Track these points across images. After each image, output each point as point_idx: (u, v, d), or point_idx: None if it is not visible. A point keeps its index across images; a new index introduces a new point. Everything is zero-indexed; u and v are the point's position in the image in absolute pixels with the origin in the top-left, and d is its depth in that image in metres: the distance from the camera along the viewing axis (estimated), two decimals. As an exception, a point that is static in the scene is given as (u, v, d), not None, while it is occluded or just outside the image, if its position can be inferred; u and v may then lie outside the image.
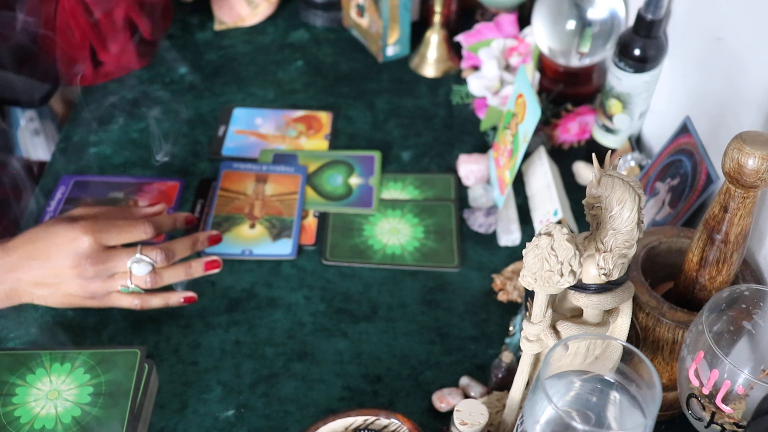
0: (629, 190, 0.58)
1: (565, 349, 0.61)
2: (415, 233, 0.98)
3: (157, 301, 0.84)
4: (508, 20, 1.17)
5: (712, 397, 0.63)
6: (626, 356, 0.60)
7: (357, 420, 0.76)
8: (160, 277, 0.83)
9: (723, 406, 0.63)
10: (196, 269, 0.85)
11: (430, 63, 1.22)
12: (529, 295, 0.64)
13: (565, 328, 0.64)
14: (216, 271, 0.86)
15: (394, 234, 0.98)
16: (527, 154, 1.06)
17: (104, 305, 0.83)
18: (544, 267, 0.58)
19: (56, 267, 0.79)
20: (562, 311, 0.66)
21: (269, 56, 1.24)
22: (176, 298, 0.85)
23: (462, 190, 1.04)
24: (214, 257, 0.86)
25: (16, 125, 1.58)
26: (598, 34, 1.06)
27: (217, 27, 1.28)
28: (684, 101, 0.96)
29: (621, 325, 0.66)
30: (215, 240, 0.88)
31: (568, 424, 0.55)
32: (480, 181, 1.04)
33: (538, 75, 1.12)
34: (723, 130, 0.87)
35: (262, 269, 0.94)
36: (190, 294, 0.85)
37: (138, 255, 0.81)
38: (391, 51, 1.23)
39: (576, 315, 0.66)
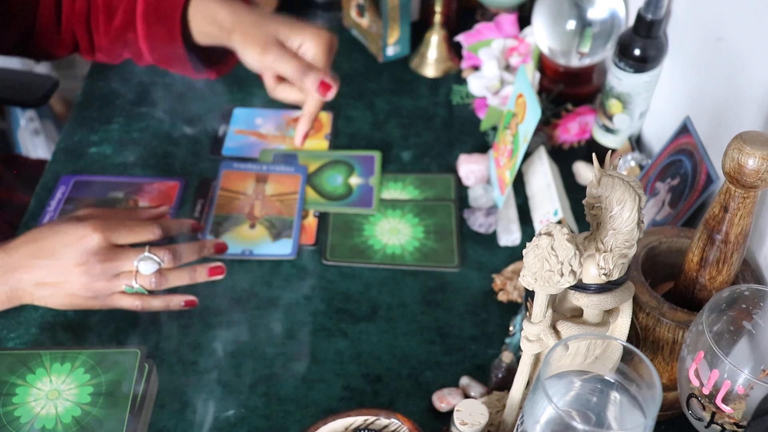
0: (629, 190, 0.58)
1: (565, 349, 0.61)
2: (415, 233, 0.98)
3: (158, 303, 0.84)
4: (508, 20, 1.18)
5: (712, 397, 0.63)
6: (626, 356, 0.60)
7: (357, 420, 0.76)
8: (165, 278, 0.83)
9: (723, 406, 0.63)
10: (201, 274, 0.85)
11: (430, 63, 1.22)
12: (529, 295, 0.64)
13: (565, 328, 0.64)
14: (220, 277, 0.86)
15: (394, 234, 0.98)
16: (527, 154, 1.06)
17: (106, 306, 0.83)
18: (545, 267, 0.58)
19: (62, 265, 0.79)
20: (562, 311, 0.66)
21: (269, 56, 1.24)
22: (177, 301, 0.85)
23: (462, 190, 1.04)
24: (219, 264, 0.86)
25: (16, 125, 1.58)
26: (598, 34, 1.06)
27: (217, 27, 1.28)
28: (684, 101, 0.96)
29: (621, 325, 0.66)
30: (221, 248, 0.89)
31: (568, 424, 0.55)
32: (480, 181, 1.04)
33: (538, 75, 1.12)
34: (723, 130, 0.87)
35: (262, 269, 0.94)
36: (191, 297, 0.85)
37: (146, 253, 0.81)
38: (391, 51, 1.23)
39: (576, 315, 0.66)
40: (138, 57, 0.99)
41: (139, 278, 0.81)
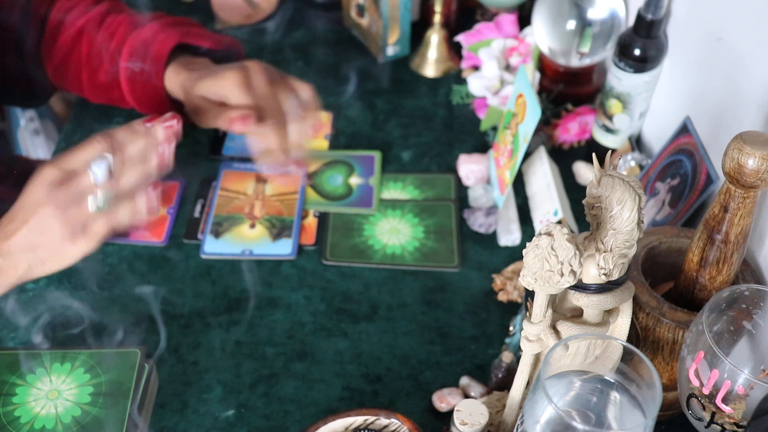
0: (629, 190, 0.58)
1: (565, 349, 0.61)
2: (415, 233, 0.98)
3: (124, 214, 0.78)
4: (508, 20, 1.18)
5: (712, 397, 0.63)
6: (626, 356, 0.60)
7: (357, 420, 0.76)
8: (120, 174, 0.77)
9: (723, 406, 0.63)
10: (156, 132, 0.79)
11: (430, 63, 1.22)
12: (529, 295, 0.64)
13: (565, 328, 0.64)
14: (174, 126, 0.80)
15: (394, 234, 0.98)
16: (527, 154, 1.06)
17: (92, 241, 0.78)
18: (545, 267, 0.58)
19: (32, 214, 0.77)
20: (562, 311, 0.66)
21: (269, 56, 1.24)
22: (140, 203, 0.79)
23: (462, 190, 1.04)
24: (171, 119, 0.80)
25: (16, 125, 1.58)
26: (598, 34, 1.06)
27: (218, 27, 1.28)
28: (684, 101, 0.96)
29: (621, 325, 0.66)
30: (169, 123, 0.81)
31: (568, 424, 0.55)
32: (480, 181, 1.04)
33: (538, 75, 1.12)
34: (723, 130, 0.87)
35: (262, 269, 0.94)
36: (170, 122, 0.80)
37: (96, 159, 0.76)
38: (391, 51, 1.23)
39: (576, 315, 0.66)
40: (124, 105, 1.01)
41: (99, 189, 0.76)
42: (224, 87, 0.90)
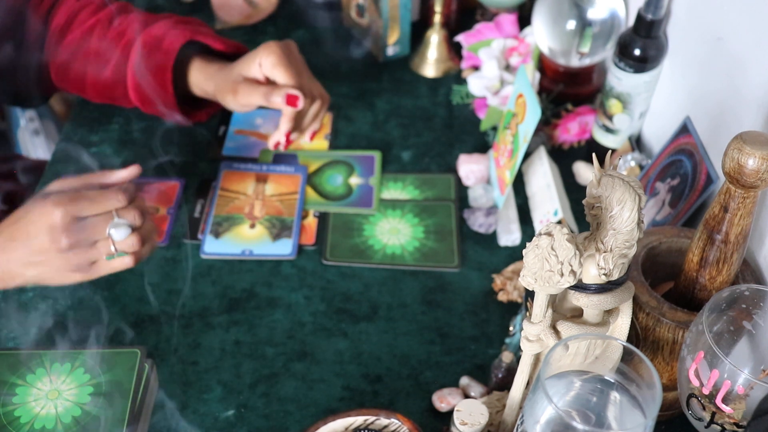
0: (629, 190, 0.58)
1: (565, 349, 0.61)
2: (415, 233, 0.98)
3: (146, 251, 0.83)
4: (508, 20, 1.18)
5: (712, 397, 0.63)
6: (626, 356, 0.60)
7: (357, 420, 0.76)
8: (143, 237, 0.81)
9: (723, 406, 0.63)
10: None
11: (430, 63, 1.22)
12: (530, 295, 0.64)
13: (566, 328, 0.64)
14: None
15: (394, 234, 0.98)
16: (527, 154, 1.06)
17: (99, 275, 0.81)
18: (545, 267, 0.58)
19: (37, 245, 0.78)
20: (562, 311, 0.66)
21: (269, 56, 1.24)
22: (155, 238, 0.85)
23: (462, 190, 1.04)
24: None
25: (16, 125, 1.58)
26: (598, 34, 1.06)
27: (218, 27, 1.28)
28: (684, 101, 0.96)
29: (621, 325, 0.66)
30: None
31: (568, 424, 0.55)
32: (480, 181, 1.04)
33: (538, 75, 1.12)
34: (723, 130, 0.87)
35: (262, 269, 0.94)
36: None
37: (116, 219, 0.79)
38: (391, 51, 1.23)
39: (576, 315, 0.66)
40: (125, 103, 1.03)
41: (117, 245, 0.80)
42: (264, 55, 0.96)
